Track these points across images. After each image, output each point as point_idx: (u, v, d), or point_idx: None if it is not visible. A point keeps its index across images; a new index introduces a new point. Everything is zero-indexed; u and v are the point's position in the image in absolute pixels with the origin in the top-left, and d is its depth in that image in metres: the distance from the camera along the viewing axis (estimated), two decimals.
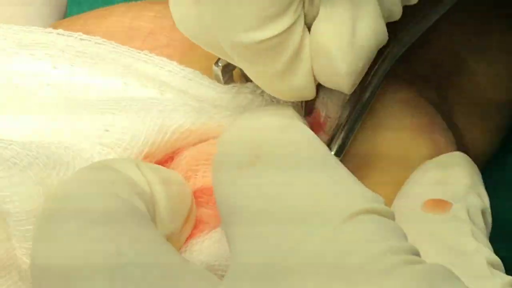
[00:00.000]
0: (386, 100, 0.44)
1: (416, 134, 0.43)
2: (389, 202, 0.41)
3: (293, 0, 0.34)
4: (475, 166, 0.42)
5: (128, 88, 0.39)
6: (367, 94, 0.42)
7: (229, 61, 0.37)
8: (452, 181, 0.40)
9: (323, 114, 0.41)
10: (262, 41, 0.34)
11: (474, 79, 0.47)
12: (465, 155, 0.42)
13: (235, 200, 0.32)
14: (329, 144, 0.41)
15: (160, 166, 0.37)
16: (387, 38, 0.36)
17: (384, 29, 0.36)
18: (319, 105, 0.41)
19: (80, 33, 0.40)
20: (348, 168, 0.41)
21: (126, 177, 0.34)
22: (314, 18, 0.35)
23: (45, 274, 0.31)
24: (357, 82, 0.36)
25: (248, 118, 0.36)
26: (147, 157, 0.37)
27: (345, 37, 0.35)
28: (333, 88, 0.37)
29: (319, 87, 0.41)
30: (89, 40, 0.40)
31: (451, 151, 0.44)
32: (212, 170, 0.35)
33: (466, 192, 0.39)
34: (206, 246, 0.37)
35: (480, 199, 0.39)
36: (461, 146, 0.46)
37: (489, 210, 0.40)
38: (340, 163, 0.33)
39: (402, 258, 0.28)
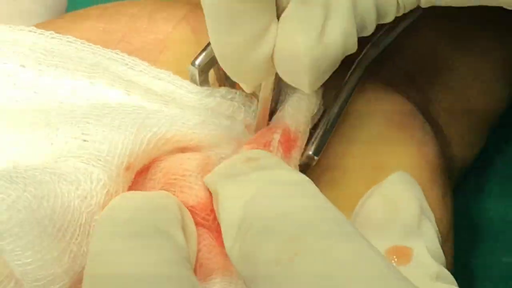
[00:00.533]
0: (364, 98, 0.43)
1: (391, 131, 0.43)
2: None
3: None
4: (414, 182, 0.41)
5: (95, 88, 0.38)
6: (345, 94, 0.42)
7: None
8: (401, 212, 0.39)
9: (293, 129, 0.40)
10: None
11: (458, 78, 0.47)
12: (402, 173, 0.41)
13: None
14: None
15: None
16: (355, 48, 0.36)
17: (354, 38, 0.36)
18: (288, 120, 0.40)
19: (52, 32, 0.40)
20: (325, 165, 0.42)
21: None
22: (283, 10, 0.35)
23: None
24: (318, 84, 0.36)
25: (271, 199, 0.34)
26: (128, 169, 0.37)
27: (313, 32, 0.34)
28: (292, 85, 0.36)
29: (286, 101, 0.41)
30: (60, 39, 0.39)
31: (429, 145, 0.43)
32: (244, 254, 0.33)
33: (418, 221, 0.39)
34: None
35: (430, 222, 0.39)
36: (443, 144, 0.45)
37: (435, 224, 0.40)
38: (375, 248, 0.32)
39: None
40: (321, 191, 0.41)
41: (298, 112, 0.40)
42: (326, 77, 0.36)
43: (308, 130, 0.41)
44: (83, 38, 0.41)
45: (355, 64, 0.42)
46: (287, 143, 0.40)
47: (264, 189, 0.35)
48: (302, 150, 0.41)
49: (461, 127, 0.47)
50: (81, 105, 0.38)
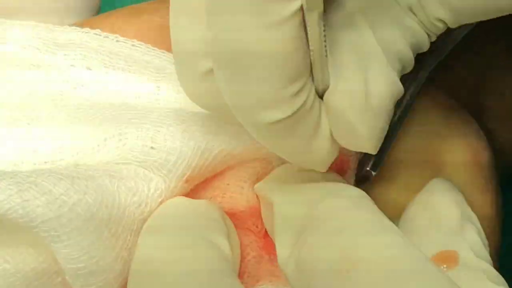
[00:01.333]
0: (419, 105, 0.43)
1: (449, 138, 0.43)
2: None
3: (305, 80, 0.33)
4: (453, 187, 0.42)
5: (160, 92, 0.38)
6: (398, 114, 0.42)
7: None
8: (443, 217, 0.40)
9: (344, 152, 0.40)
10: (280, 120, 0.33)
11: (505, 77, 0.47)
12: (442, 180, 0.42)
13: None
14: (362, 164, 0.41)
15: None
16: (402, 90, 0.36)
17: (397, 82, 0.35)
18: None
19: (118, 35, 0.40)
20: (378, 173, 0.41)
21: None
22: (324, 90, 0.35)
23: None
24: (382, 140, 0.36)
25: (330, 210, 0.35)
26: (187, 181, 0.37)
27: (359, 101, 0.34)
28: (358, 150, 0.37)
29: None
30: (125, 42, 0.39)
31: (486, 154, 0.43)
32: (301, 263, 0.34)
33: (461, 225, 0.39)
34: None
35: (472, 225, 0.40)
36: (495, 151, 0.45)
37: (479, 226, 0.40)
38: (433, 264, 0.32)
39: None
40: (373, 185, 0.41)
41: None
42: (387, 128, 0.36)
43: (358, 154, 0.41)
44: (140, 33, 0.41)
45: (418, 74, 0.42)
46: (340, 166, 0.40)
47: (324, 200, 0.35)
48: (355, 172, 0.41)
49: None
50: (150, 108, 0.38)
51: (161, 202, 0.37)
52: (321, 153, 0.35)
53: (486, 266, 0.38)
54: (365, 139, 0.35)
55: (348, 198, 0.35)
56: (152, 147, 0.36)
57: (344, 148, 0.40)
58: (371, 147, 0.35)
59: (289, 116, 0.33)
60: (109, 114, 0.38)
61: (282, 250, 0.35)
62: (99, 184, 0.35)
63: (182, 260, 0.34)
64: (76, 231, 0.33)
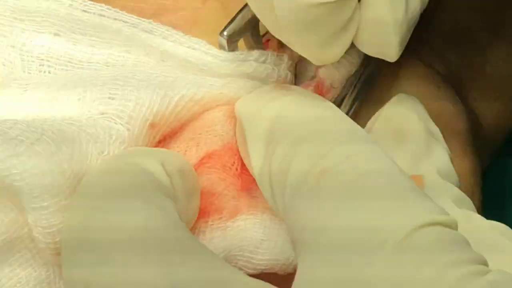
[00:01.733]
0: (393, 72, 0.44)
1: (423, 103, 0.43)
2: None
3: None
4: (417, 101, 0.42)
5: (131, 57, 0.39)
6: (371, 68, 0.43)
7: (273, 33, 0.36)
8: (408, 138, 0.40)
9: (327, 83, 0.41)
10: (323, 4, 0.33)
11: (486, 53, 0.47)
12: (403, 94, 0.42)
13: (305, 225, 0.31)
14: None
15: (178, 155, 0.38)
16: (427, 2, 0.37)
17: None
18: (324, 74, 0.41)
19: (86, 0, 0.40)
20: None
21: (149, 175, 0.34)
22: None
23: (76, 246, 0.32)
24: (402, 50, 0.37)
25: (297, 115, 0.35)
26: (152, 127, 0.37)
27: (400, 10, 0.35)
28: (377, 56, 0.37)
29: None
30: (93, 6, 0.39)
31: (460, 118, 0.44)
32: (275, 168, 0.34)
33: (426, 144, 0.39)
34: (230, 234, 0.36)
35: (437, 141, 0.39)
36: (472, 119, 0.45)
37: (443, 139, 0.40)
38: (402, 171, 0.32)
39: (470, 269, 0.27)
40: None
41: (336, 69, 0.41)
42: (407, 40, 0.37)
43: (341, 88, 0.42)
44: None
45: None
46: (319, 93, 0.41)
47: (290, 104, 0.35)
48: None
49: (493, 105, 0.48)
50: (113, 70, 0.38)
51: (124, 150, 0.36)
52: (337, 50, 0.36)
53: (451, 188, 0.38)
54: (395, 46, 0.36)
55: (310, 107, 0.35)
56: (110, 97, 0.36)
57: (327, 79, 0.41)
58: (395, 54, 0.36)
59: (332, 1, 0.33)
60: (71, 78, 0.38)
61: (256, 164, 0.35)
62: (56, 129, 0.34)
63: (108, 175, 0.33)
64: (37, 169, 0.32)
